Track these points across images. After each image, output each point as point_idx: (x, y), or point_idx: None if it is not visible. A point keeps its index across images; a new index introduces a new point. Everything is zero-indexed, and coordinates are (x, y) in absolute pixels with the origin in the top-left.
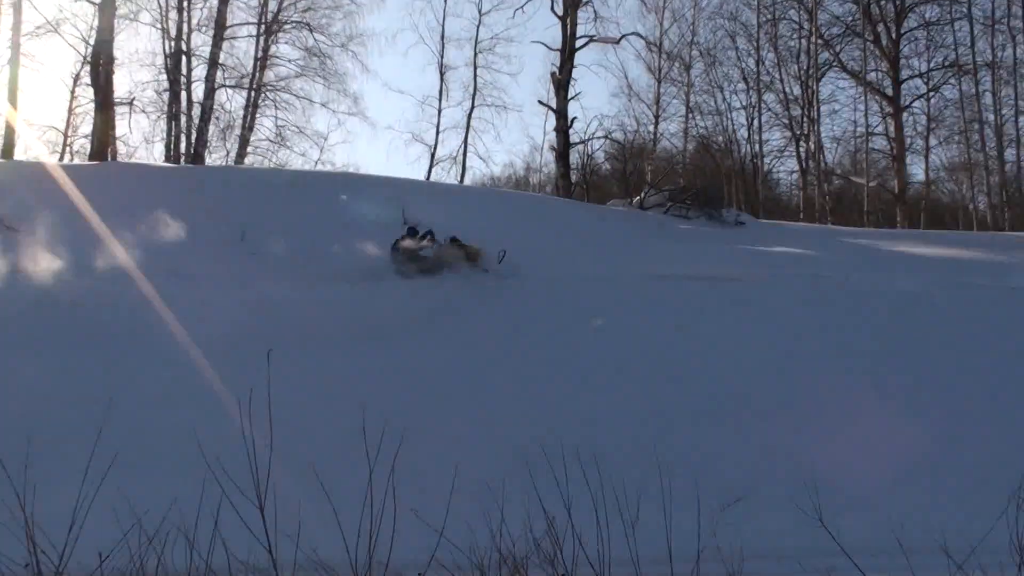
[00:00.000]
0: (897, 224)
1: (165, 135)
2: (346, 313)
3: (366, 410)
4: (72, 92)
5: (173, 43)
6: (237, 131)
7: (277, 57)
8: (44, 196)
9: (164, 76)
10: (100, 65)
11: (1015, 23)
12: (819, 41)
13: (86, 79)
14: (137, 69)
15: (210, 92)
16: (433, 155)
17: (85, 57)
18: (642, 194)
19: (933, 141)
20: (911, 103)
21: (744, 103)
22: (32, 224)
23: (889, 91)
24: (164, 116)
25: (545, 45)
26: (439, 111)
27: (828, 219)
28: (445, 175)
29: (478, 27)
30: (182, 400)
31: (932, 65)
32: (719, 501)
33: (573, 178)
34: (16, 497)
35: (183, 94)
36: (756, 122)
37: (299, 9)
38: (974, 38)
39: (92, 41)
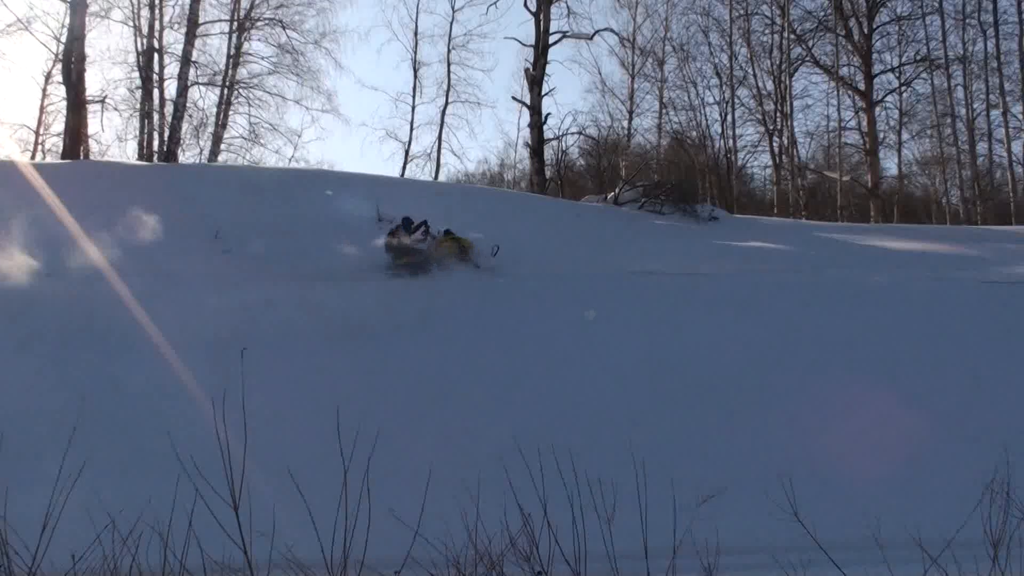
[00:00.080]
0: (870, 218)
1: (138, 133)
2: (323, 313)
3: (344, 410)
4: (44, 90)
5: (145, 40)
6: (210, 129)
7: (250, 54)
8: (16, 195)
9: (136, 74)
10: (72, 63)
11: (985, 17)
12: (791, 36)
13: (58, 77)
14: (109, 67)
15: (183, 90)
16: (407, 152)
17: (57, 55)
18: (616, 190)
19: (905, 135)
20: (883, 98)
21: (717, 98)
22: (4, 223)
23: (861, 86)
24: (137, 114)
25: (518, 41)
26: (413, 108)
27: (802, 214)
28: (419, 172)
29: (451, 23)
30: (157, 400)
31: (904, 60)
32: (695, 496)
33: (548, 174)
34: None
35: (156, 92)
36: (729, 117)
37: (272, 6)
38: (945, 32)
39: (63, 39)
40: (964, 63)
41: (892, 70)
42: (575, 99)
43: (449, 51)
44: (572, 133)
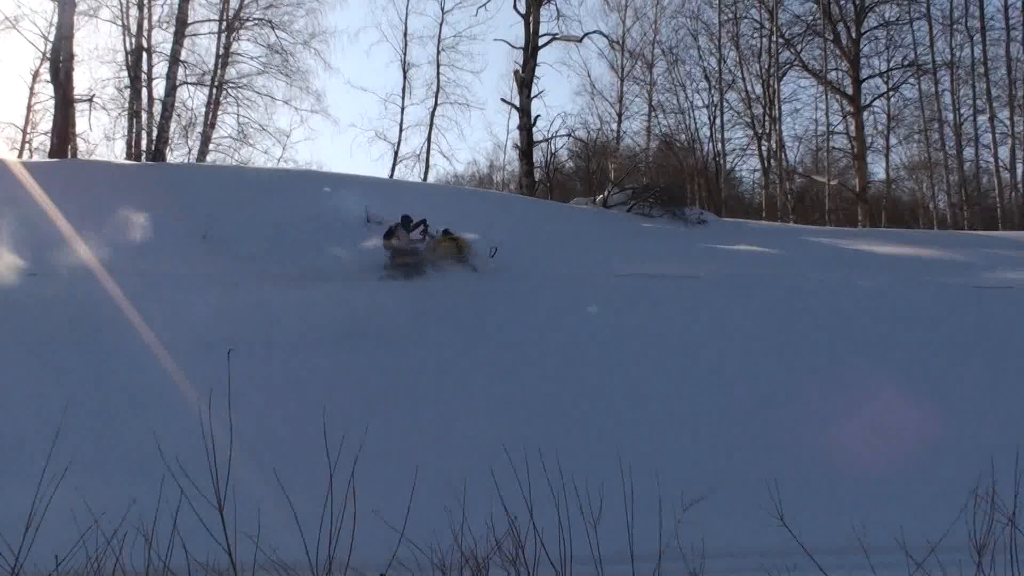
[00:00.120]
0: (858, 222)
1: (126, 132)
2: (312, 315)
3: (332, 412)
4: (31, 89)
5: (134, 40)
6: (199, 128)
7: (239, 54)
8: (2, 193)
9: (125, 73)
10: (60, 61)
11: (972, 23)
12: (780, 40)
13: (46, 76)
14: (97, 66)
15: (171, 89)
16: (396, 153)
17: (45, 53)
18: (605, 192)
19: (893, 140)
20: (871, 102)
21: (706, 102)
22: None
23: (849, 90)
24: (125, 113)
25: (508, 43)
26: (402, 109)
27: (790, 217)
28: (409, 173)
29: (441, 25)
30: (144, 401)
31: (892, 64)
32: (681, 500)
33: (537, 176)
34: None
35: (144, 91)
36: (718, 121)
37: (261, 6)
38: (933, 38)
39: (52, 37)
40: (951, 68)
41: (880, 75)
42: (564, 101)
43: (439, 52)
44: (561, 135)
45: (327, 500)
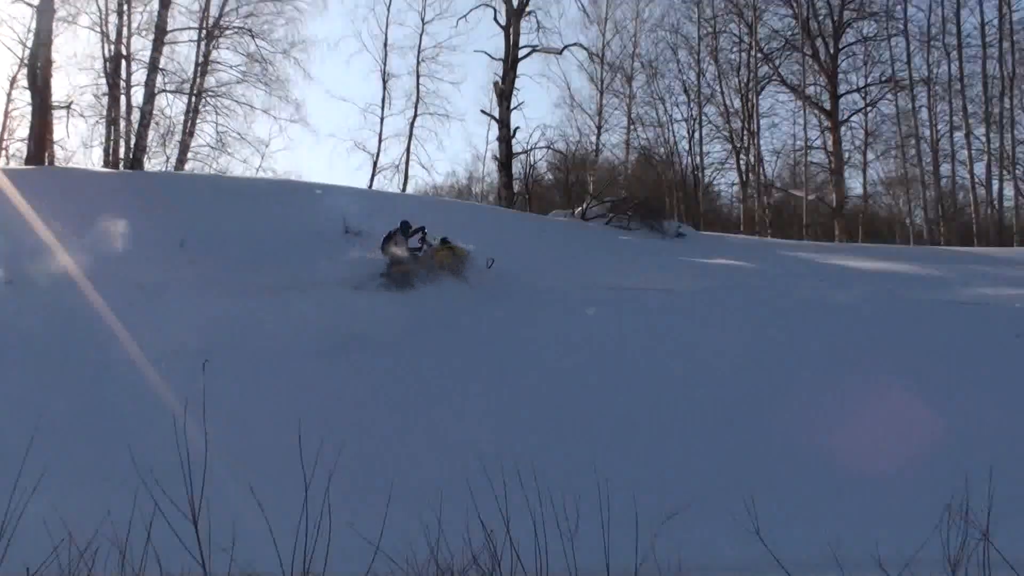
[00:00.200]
0: (835, 237)
1: (104, 140)
2: (292, 324)
3: (309, 424)
4: (8, 95)
5: (113, 47)
6: (177, 137)
7: (218, 62)
8: None
9: (103, 80)
10: (38, 68)
11: (950, 40)
12: (759, 55)
13: (23, 82)
14: (76, 72)
15: (150, 97)
16: (375, 163)
17: (22, 59)
18: (584, 205)
19: (870, 155)
20: (849, 117)
21: (685, 115)
22: None
23: (827, 105)
24: (103, 120)
25: (488, 55)
26: (381, 119)
27: (767, 231)
28: (388, 183)
29: (421, 35)
30: (120, 411)
31: (869, 80)
32: (658, 514)
33: (516, 188)
34: None
35: (122, 98)
36: (697, 134)
37: (241, 15)
38: (910, 54)
39: (30, 43)
40: (928, 85)
41: (858, 90)
42: (544, 113)
43: (419, 63)
44: (540, 147)
45: (302, 513)
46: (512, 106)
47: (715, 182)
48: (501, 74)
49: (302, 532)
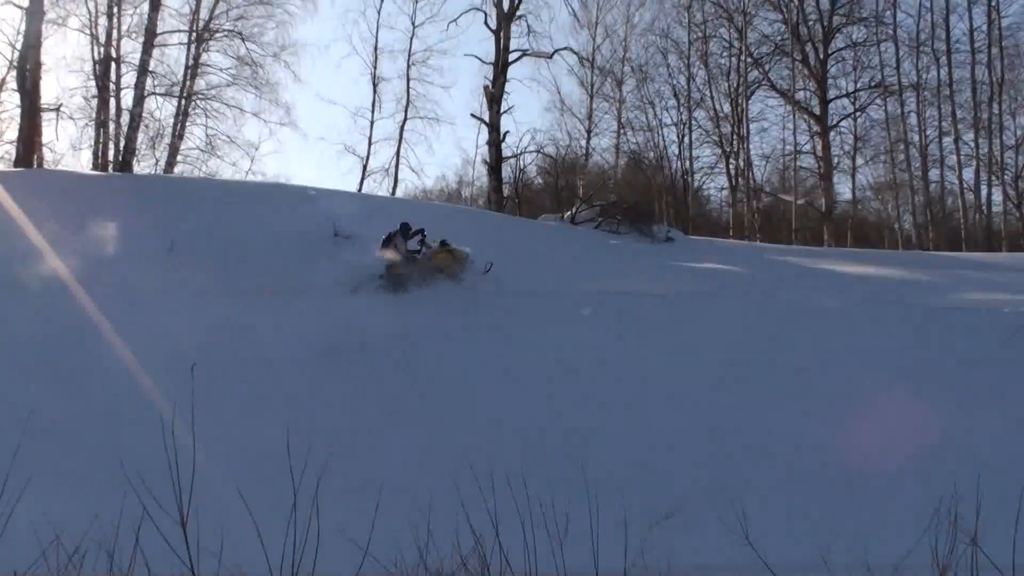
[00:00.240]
0: (824, 242)
1: (93, 142)
2: (282, 328)
3: (300, 428)
4: None
5: (102, 49)
6: (167, 139)
7: (208, 65)
8: None
9: (93, 82)
10: (27, 70)
11: (939, 45)
12: (749, 60)
13: (12, 84)
14: (65, 74)
15: (139, 99)
16: (365, 167)
17: (12, 61)
18: (574, 209)
19: (860, 160)
20: (838, 122)
21: (675, 120)
22: None
23: (817, 110)
24: (92, 123)
25: (478, 59)
26: (372, 123)
27: (757, 236)
28: (377, 187)
29: (411, 39)
30: (109, 414)
31: (859, 85)
32: (647, 518)
33: (505, 192)
34: None
35: (112, 101)
36: (687, 139)
37: (231, 18)
38: (899, 59)
39: (19, 45)
40: (917, 90)
41: (847, 95)
42: (534, 117)
43: (409, 67)
44: (530, 151)
45: (291, 517)
46: (502, 110)
47: (704, 186)
48: (491, 78)
49: (291, 536)
